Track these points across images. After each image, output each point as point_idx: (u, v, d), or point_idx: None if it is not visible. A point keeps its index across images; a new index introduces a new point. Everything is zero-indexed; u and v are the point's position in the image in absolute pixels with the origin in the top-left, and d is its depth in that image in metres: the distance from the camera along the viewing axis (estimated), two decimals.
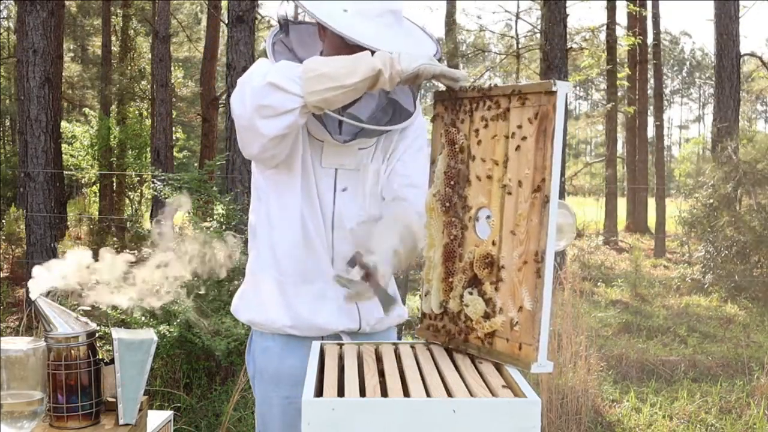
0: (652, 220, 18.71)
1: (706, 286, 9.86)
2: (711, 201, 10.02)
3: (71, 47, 23.02)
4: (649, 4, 18.58)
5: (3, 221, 11.85)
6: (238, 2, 7.17)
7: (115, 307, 4.63)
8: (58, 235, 8.11)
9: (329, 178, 2.06)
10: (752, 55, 15.08)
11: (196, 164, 18.94)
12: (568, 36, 10.19)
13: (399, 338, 2.61)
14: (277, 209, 2.08)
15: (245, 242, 2.24)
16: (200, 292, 4.36)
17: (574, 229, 1.93)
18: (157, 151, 12.49)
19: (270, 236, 2.10)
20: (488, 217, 1.75)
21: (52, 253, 7.32)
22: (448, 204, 1.84)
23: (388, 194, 2.13)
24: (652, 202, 19.85)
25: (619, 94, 19.85)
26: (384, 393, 1.54)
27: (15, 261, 10.53)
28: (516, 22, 19.88)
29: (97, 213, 16.74)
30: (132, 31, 18.71)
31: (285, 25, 2.12)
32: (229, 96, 7.23)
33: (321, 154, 2.05)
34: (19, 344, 1.60)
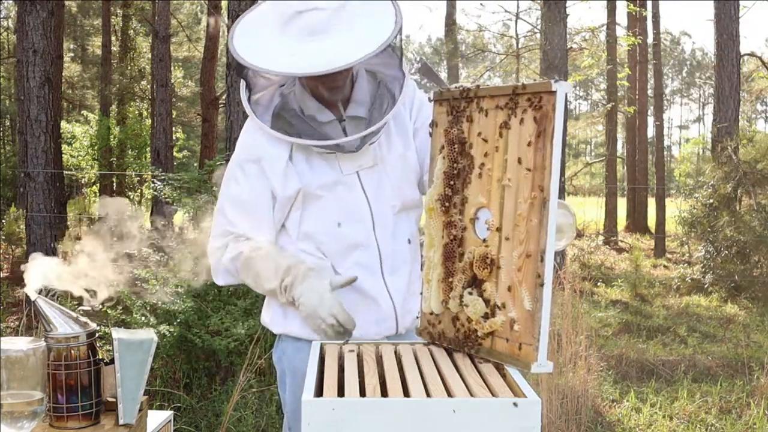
0: (652, 220, 18.70)
1: (706, 286, 9.86)
2: (711, 201, 10.02)
3: (71, 47, 23.04)
4: (649, 4, 18.57)
5: (3, 221, 11.84)
6: (238, 2, 7.17)
7: (114, 307, 4.63)
8: (58, 235, 8.11)
9: (355, 183, 2.08)
10: (752, 55, 15.08)
11: (196, 164, 18.93)
12: (568, 36, 10.18)
13: None
14: (301, 226, 2.09)
15: None
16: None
17: (574, 228, 1.92)
18: (157, 151, 12.50)
19: (297, 252, 2.10)
20: (488, 218, 1.74)
21: (52, 254, 7.31)
22: (447, 204, 1.83)
23: None
24: (652, 202, 19.84)
25: (619, 94, 19.85)
26: (384, 393, 1.54)
27: (15, 261, 10.52)
28: (516, 22, 19.91)
29: (97, 213, 16.72)
30: (132, 31, 18.73)
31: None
32: (229, 96, 7.24)
33: (338, 164, 2.06)
34: (19, 344, 1.60)
